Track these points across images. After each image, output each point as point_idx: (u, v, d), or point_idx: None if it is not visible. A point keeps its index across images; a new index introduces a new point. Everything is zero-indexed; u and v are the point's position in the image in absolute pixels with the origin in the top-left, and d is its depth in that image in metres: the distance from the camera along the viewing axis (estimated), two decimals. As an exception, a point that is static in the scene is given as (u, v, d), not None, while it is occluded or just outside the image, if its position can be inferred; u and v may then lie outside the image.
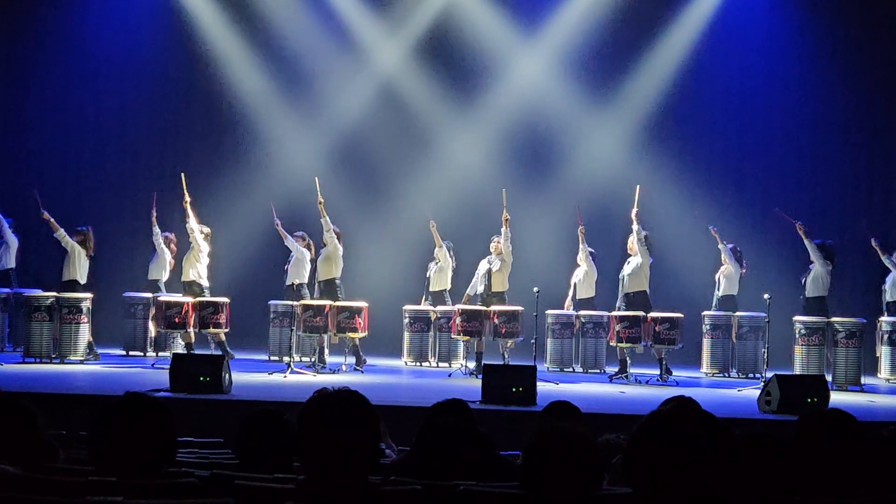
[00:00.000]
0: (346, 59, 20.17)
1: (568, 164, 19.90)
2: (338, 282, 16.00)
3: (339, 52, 20.12)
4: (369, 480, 3.90)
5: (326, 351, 15.88)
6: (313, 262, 16.34)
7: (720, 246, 16.54)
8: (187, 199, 15.94)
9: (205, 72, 20.09)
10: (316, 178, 16.19)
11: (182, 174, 16.11)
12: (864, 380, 15.38)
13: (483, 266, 16.12)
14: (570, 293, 16.89)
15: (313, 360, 15.85)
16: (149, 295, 16.82)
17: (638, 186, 15.83)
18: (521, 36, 20.06)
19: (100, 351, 16.15)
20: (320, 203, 15.89)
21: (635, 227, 15.62)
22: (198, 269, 16.01)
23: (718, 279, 16.83)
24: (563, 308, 16.72)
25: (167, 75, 20.20)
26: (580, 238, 16.54)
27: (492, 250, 16.04)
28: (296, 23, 20.01)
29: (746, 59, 19.79)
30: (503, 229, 15.91)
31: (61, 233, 15.89)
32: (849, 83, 19.48)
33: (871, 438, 5.17)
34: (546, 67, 20.01)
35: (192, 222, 15.98)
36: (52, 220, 15.89)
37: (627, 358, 15.52)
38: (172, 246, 16.92)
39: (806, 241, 15.80)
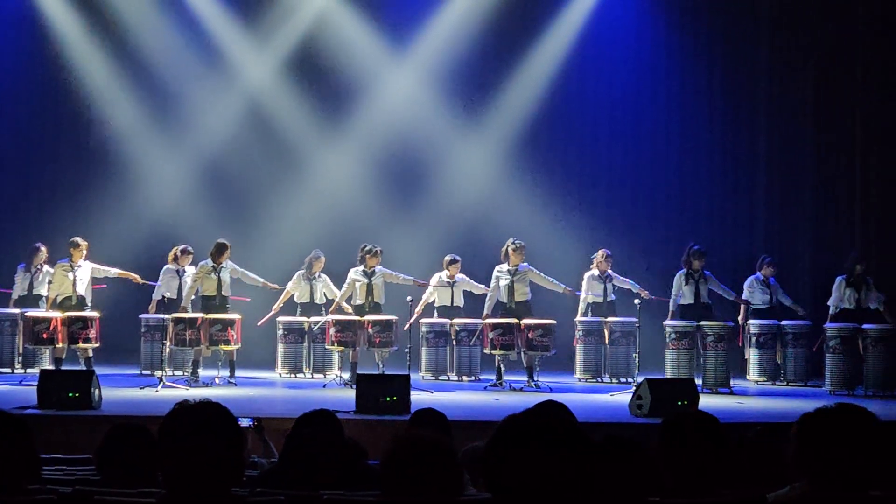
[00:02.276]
0: (213, 76, 19.82)
1: (439, 180, 19.85)
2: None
3: (206, 69, 19.75)
4: (233, 493, 3.87)
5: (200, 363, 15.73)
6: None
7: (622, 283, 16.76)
8: (139, 280, 16.48)
9: (70, 92, 19.65)
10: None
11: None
12: (734, 382, 15.65)
13: (359, 277, 15.94)
14: (431, 298, 16.82)
15: (186, 373, 15.70)
16: (16, 311, 16.50)
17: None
18: (392, 52, 19.90)
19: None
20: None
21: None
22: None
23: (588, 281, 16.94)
24: (414, 314, 16.36)
25: (31, 94, 19.78)
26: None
27: (365, 260, 15.86)
28: (162, 41, 19.57)
29: (616, 70, 19.95)
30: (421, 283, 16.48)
31: None
32: (723, 90, 19.79)
33: (736, 439, 5.26)
34: (417, 83, 19.89)
35: (115, 272, 16.31)
36: None
37: (502, 365, 15.62)
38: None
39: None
